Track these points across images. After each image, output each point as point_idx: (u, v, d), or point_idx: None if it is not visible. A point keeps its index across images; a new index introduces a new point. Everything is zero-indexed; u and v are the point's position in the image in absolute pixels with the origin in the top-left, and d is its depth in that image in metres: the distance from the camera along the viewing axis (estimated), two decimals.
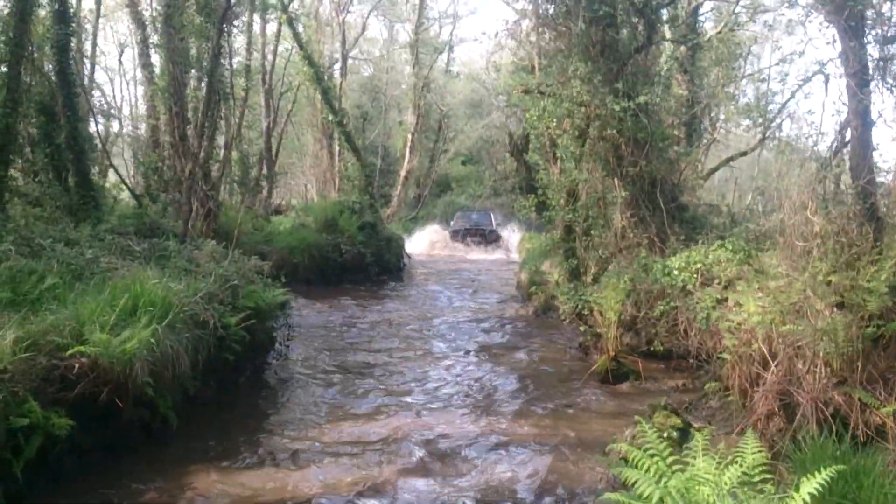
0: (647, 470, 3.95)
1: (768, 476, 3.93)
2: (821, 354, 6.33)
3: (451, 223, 32.85)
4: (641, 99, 11.18)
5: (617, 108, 11.26)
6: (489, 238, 30.93)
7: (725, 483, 3.75)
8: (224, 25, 13.94)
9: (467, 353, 12.11)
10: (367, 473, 6.74)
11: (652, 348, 10.31)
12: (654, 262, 10.62)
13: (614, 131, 11.68)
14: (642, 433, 4.30)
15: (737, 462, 3.94)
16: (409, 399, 9.25)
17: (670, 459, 4.07)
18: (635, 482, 3.90)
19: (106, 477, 6.29)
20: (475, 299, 18.29)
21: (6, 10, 13.03)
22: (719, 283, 9.32)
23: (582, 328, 11.70)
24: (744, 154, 20.82)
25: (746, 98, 22.49)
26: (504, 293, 19.12)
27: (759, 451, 4.03)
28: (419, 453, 7.34)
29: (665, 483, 3.78)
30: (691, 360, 9.12)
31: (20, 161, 15.64)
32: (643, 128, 11.63)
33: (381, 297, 17.84)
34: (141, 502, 5.97)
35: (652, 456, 4.07)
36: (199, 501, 6.04)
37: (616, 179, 12.04)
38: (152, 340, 6.77)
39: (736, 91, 22.03)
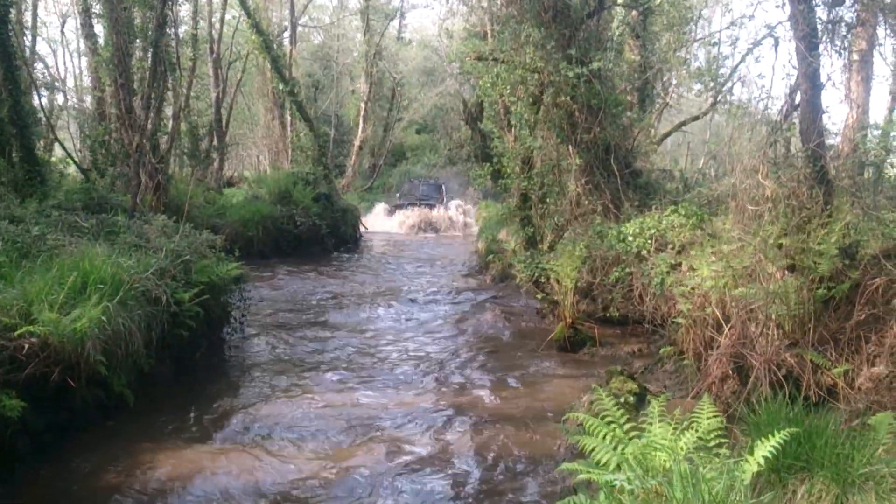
0: (604, 437, 4.00)
1: (723, 440, 4.01)
2: (773, 317, 6.46)
3: (398, 196, 30.52)
4: (595, 65, 11.16)
5: (570, 74, 11.22)
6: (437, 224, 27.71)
7: (681, 448, 3.81)
8: None
9: (424, 322, 12.13)
10: (322, 450, 6.73)
11: (608, 314, 10.44)
12: (609, 228, 10.69)
13: (568, 98, 11.65)
14: (599, 400, 4.34)
15: (692, 427, 4.01)
16: (364, 372, 9.22)
17: (627, 426, 4.12)
18: (593, 450, 3.95)
19: (61, 458, 6.19)
20: (432, 269, 18.30)
21: None
22: (673, 249, 9.43)
23: (539, 296, 11.78)
24: (696, 118, 21.04)
25: (698, 62, 22.66)
26: (461, 263, 19.17)
27: (715, 416, 4.11)
28: (374, 427, 7.33)
29: (622, 450, 3.83)
30: (647, 326, 9.24)
31: None
32: (596, 94, 11.63)
33: (337, 269, 17.72)
34: (97, 482, 5.87)
35: (609, 423, 4.12)
36: (156, 480, 5.96)
37: (570, 146, 12.04)
38: (103, 318, 6.63)
39: (687, 55, 22.15)
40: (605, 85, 11.97)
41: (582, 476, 3.82)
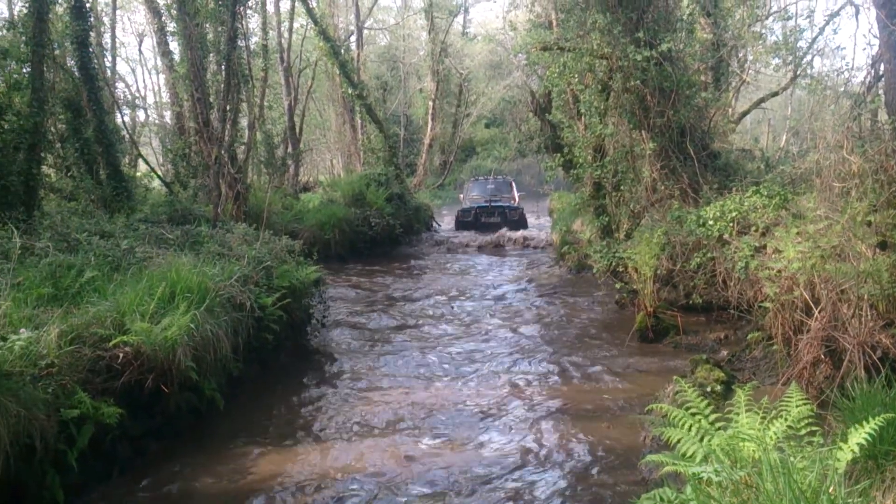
0: (690, 429, 3.91)
1: (815, 428, 3.85)
2: (865, 297, 6.17)
3: (463, 196, 26.44)
4: (664, 47, 10.88)
5: (639, 58, 10.96)
6: (509, 218, 23.53)
7: (771, 438, 3.69)
8: (237, 7, 13.86)
9: (503, 316, 12.12)
10: (408, 446, 6.81)
11: (690, 301, 10.22)
12: (688, 213, 10.40)
13: (638, 82, 11.38)
14: (683, 391, 4.24)
15: (782, 416, 3.87)
16: (446, 367, 9.31)
17: (712, 417, 4.01)
18: (678, 441, 3.87)
19: (157, 462, 6.45)
20: (508, 263, 18.25)
21: (24, 11, 13.12)
22: (756, 231, 9.09)
23: (618, 285, 11.61)
24: (775, 94, 20.24)
25: (774, 36, 21.77)
26: (537, 255, 19.05)
27: (805, 403, 3.95)
28: (459, 424, 7.39)
29: (708, 441, 3.73)
30: (732, 312, 8.97)
31: (51, 157, 15.92)
32: (668, 76, 11.33)
33: (412, 267, 17.89)
34: (192, 484, 6.10)
35: (694, 414, 4.02)
36: (246, 480, 6.16)
37: (643, 131, 11.78)
38: (192, 326, 6.88)
39: (763, 30, 21.35)
40: (677, 66, 11.65)
41: (668, 468, 3.75)
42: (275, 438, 7.07)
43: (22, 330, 5.72)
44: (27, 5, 12.70)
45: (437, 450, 6.73)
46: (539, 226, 24.62)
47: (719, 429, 3.90)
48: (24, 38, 12.54)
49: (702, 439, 3.80)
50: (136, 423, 6.41)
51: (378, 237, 19.05)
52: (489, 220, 23.41)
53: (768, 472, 3.05)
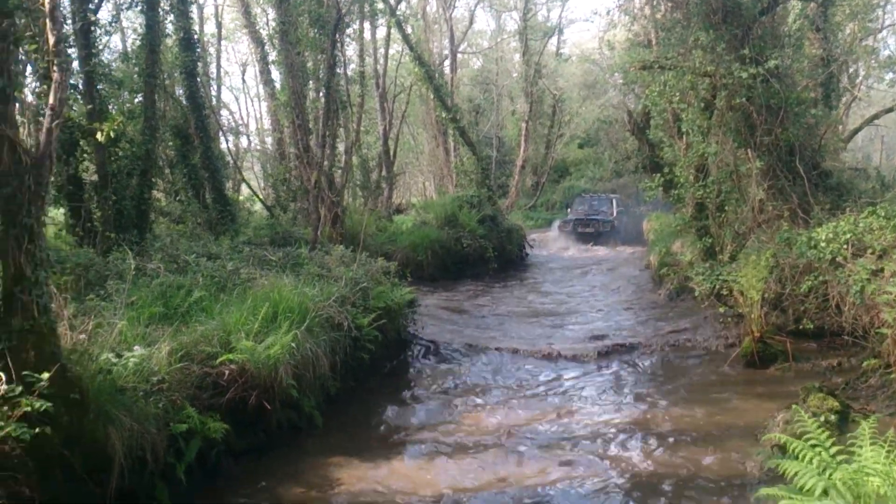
0: (810, 461, 3.72)
1: None
2: None
3: (569, 210, 29.15)
4: (771, 63, 10.54)
5: (745, 75, 10.65)
6: (602, 229, 26.33)
7: None
8: (336, 36, 14.32)
9: (600, 339, 11.89)
10: (498, 466, 6.78)
11: (801, 327, 9.71)
12: (798, 234, 10.00)
13: (744, 100, 11.05)
14: (800, 422, 4.04)
15: None
16: (542, 389, 9.20)
17: (833, 449, 3.81)
18: (795, 474, 3.69)
19: (258, 475, 6.63)
20: (602, 286, 17.94)
21: (137, 43, 14.01)
22: (873, 253, 8.67)
23: (721, 309, 11.20)
24: (889, 110, 19.31)
25: (888, 50, 20.79)
26: (633, 278, 18.64)
27: None
28: (551, 446, 7.30)
29: (829, 475, 3.54)
30: (846, 338, 8.61)
31: (161, 182, 16.86)
32: (775, 93, 10.98)
33: (505, 289, 17.83)
34: (289, 498, 6.22)
35: (813, 446, 3.83)
36: (342, 497, 6.25)
37: (749, 150, 11.43)
38: (293, 345, 7.08)
39: (875, 44, 20.41)
40: (784, 83, 11.29)
41: (784, 503, 3.59)
42: (368, 455, 7.15)
43: (136, 347, 6.04)
44: (140, 38, 13.57)
45: (531, 471, 6.67)
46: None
47: (842, 462, 3.69)
48: (136, 69, 13.39)
49: (822, 472, 3.61)
50: (240, 438, 6.63)
51: (470, 258, 19.10)
52: (585, 230, 26.45)
53: None
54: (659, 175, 14.55)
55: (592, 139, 40.08)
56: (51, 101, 4.51)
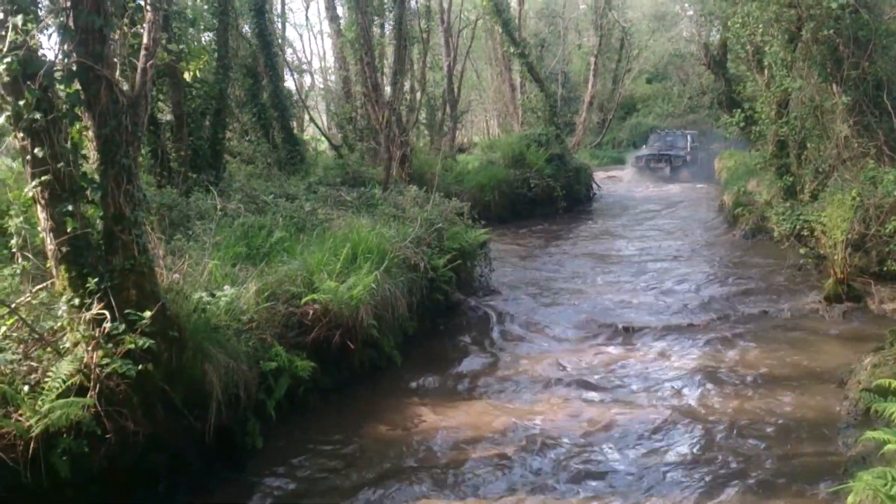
0: None
1: None
2: None
3: (646, 146, 29.64)
4: None
5: (834, 5, 10.15)
6: (675, 164, 26.83)
7: None
8: None
9: (671, 281, 11.68)
10: (577, 407, 6.80)
11: (885, 268, 9.53)
12: (885, 172, 9.79)
13: (831, 31, 10.57)
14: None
15: None
16: (608, 333, 9.10)
17: None
18: None
19: (343, 413, 6.78)
20: (673, 227, 17.53)
21: None
22: None
23: (802, 250, 10.88)
24: None
25: None
26: (705, 219, 18.17)
27: None
28: (634, 387, 7.27)
29: None
30: None
31: (231, 122, 16.98)
32: (864, 25, 10.55)
33: (574, 230, 17.59)
34: (369, 432, 6.37)
35: None
36: (419, 431, 6.40)
37: (835, 84, 11.03)
38: (374, 286, 7.12)
39: None
40: (874, 13, 10.75)
41: (891, 447, 3.51)
42: (443, 394, 7.28)
43: (226, 287, 6.15)
44: None
45: (608, 408, 6.71)
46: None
47: None
48: (209, 9, 13.34)
49: None
50: (325, 376, 6.76)
51: (538, 199, 18.86)
52: (657, 164, 27.11)
53: None
54: (739, 111, 13.99)
55: (661, 74, 38.73)
56: (145, 40, 4.50)
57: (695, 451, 5.91)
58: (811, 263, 10.98)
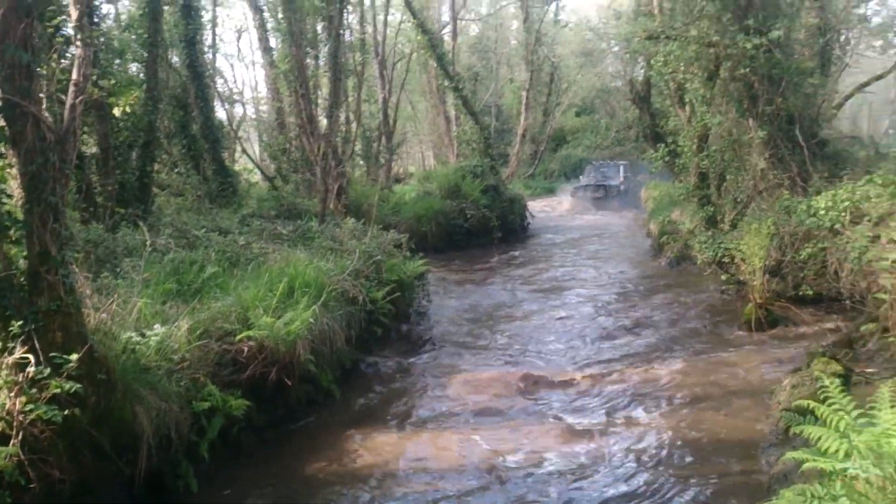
0: (835, 425, 3.82)
1: None
2: None
3: (582, 177, 31.05)
4: (774, 34, 10.58)
5: (749, 45, 10.72)
6: (611, 193, 28.33)
7: None
8: (342, 3, 14.08)
9: (605, 306, 11.97)
10: (505, 435, 6.85)
11: (800, 293, 9.95)
12: (798, 202, 10.31)
13: (747, 70, 11.15)
14: (823, 390, 4.11)
15: None
16: (542, 356, 9.28)
17: (855, 413, 3.90)
18: (818, 438, 3.78)
19: (280, 450, 6.64)
20: (603, 255, 17.92)
21: (138, 12, 13.72)
22: (870, 221, 8.88)
23: (724, 276, 11.30)
24: (880, 77, 19.31)
25: (879, 18, 20.77)
26: (633, 246, 18.64)
27: None
28: (554, 408, 7.41)
29: (852, 438, 3.64)
30: (845, 303, 8.87)
31: (160, 154, 16.61)
32: (777, 63, 11.14)
33: (509, 259, 17.78)
34: (308, 470, 6.25)
35: (836, 410, 3.92)
36: (356, 466, 6.32)
37: (751, 120, 11.62)
38: (312, 320, 7.04)
39: (867, 11, 20.39)
40: (786, 53, 11.42)
41: (809, 465, 3.71)
42: (383, 426, 7.21)
43: (156, 325, 5.98)
44: (141, 7, 13.27)
45: (542, 438, 6.74)
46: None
47: (864, 426, 3.80)
48: (138, 40, 13.11)
49: (843, 436, 3.71)
50: (261, 414, 6.62)
51: (474, 229, 19.02)
52: (595, 194, 28.56)
53: None
54: (663, 145, 14.50)
55: (589, 107, 39.79)
56: (74, 76, 4.39)
57: (624, 472, 5.99)
58: (732, 289, 11.38)
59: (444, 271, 15.76)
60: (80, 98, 4.32)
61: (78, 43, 4.35)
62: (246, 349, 6.57)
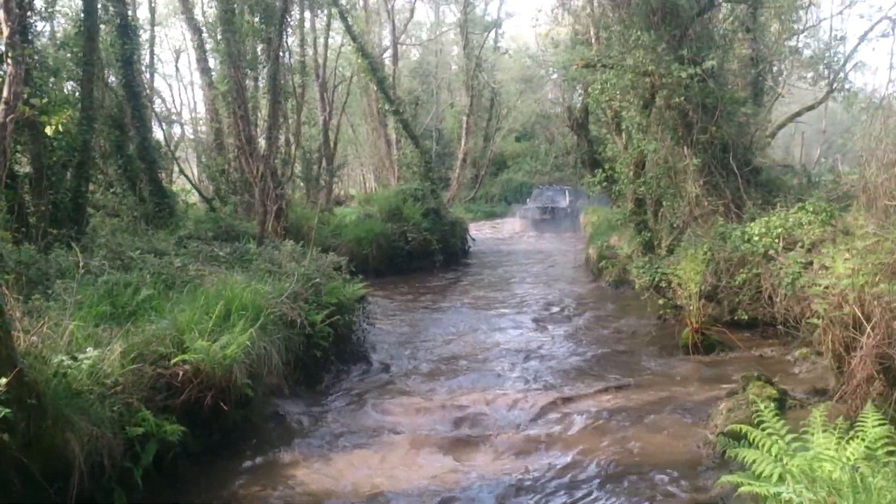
0: (768, 449, 3.93)
1: (893, 448, 3.84)
2: None
3: (529, 200, 32.47)
4: (708, 64, 10.97)
5: (683, 75, 11.07)
6: (557, 216, 29.85)
7: (848, 458, 3.69)
8: (282, 25, 14.10)
9: (544, 330, 12.12)
10: (448, 464, 6.83)
11: (736, 317, 10.15)
12: (732, 229, 10.48)
13: (681, 99, 11.49)
14: (758, 414, 4.26)
15: (858, 436, 3.87)
16: (483, 379, 9.33)
17: (789, 437, 4.03)
18: (753, 461, 3.89)
19: (215, 477, 6.52)
20: (543, 279, 18.22)
21: (74, 31, 13.50)
22: (802, 247, 9.13)
23: (661, 301, 11.56)
24: (811, 108, 20.27)
25: (810, 50, 21.81)
26: (573, 270, 19.01)
27: (882, 424, 3.94)
28: (500, 435, 7.40)
29: (785, 462, 3.76)
30: (779, 328, 8.95)
31: (95, 174, 16.25)
32: (711, 93, 11.49)
33: (450, 282, 17.93)
34: (247, 497, 6.16)
35: (770, 434, 4.05)
36: (296, 492, 6.25)
37: (686, 147, 11.90)
38: (248, 344, 6.98)
39: (798, 44, 21.39)
40: (719, 82, 11.79)
41: (744, 489, 3.78)
42: (321, 450, 7.14)
43: (88, 349, 5.86)
44: (77, 25, 13.07)
45: (481, 462, 6.78)
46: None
47: (798, 449, 3.93)
48: (73, 58, 12.89)
49: (778, 459, 3.83)
50: (196, 439, 6.51)
51: (415, 252, 19.10)
52: (543, 216, 30.07)
53: (850, 492, 3.07)
54: (601, 170, 14.88)
55: (529, 133, 40.57)
56: (5, 94, 4.34)
57: (559, 494, 6.07)
58: (670, 313, 11.59)
59: (385, 294, 15.77)
60: (10, 117, 4.26)
61: (9, 61, 4.30)
62: (181, 373, 6.46)
